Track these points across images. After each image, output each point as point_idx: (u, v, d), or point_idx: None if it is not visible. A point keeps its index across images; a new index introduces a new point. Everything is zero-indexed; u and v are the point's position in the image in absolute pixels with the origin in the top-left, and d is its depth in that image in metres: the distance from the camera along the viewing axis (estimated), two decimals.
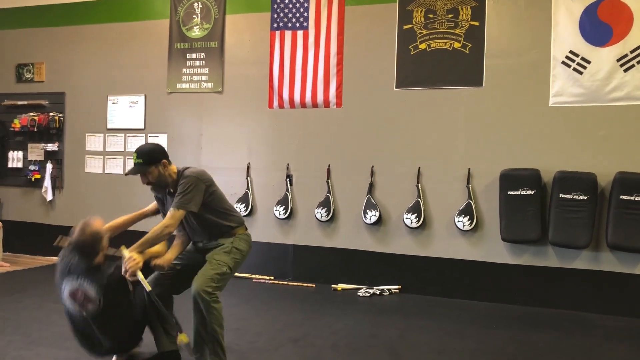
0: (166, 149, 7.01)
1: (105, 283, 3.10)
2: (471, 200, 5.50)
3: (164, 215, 3.42)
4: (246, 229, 3.58)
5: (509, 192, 5.29)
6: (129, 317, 3.29)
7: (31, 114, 7.32)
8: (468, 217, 5.47)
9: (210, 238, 3.44)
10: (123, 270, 3.10)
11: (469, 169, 5.55)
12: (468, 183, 5.55)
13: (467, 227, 5.47)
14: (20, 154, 7.48)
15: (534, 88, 5.39)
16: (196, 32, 6.63)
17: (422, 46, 5.74)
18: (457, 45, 5.62)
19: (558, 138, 5.32)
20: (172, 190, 3.37)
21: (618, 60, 5.11)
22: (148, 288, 3.12)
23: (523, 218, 5.23)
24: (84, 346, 3.30)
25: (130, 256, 3.10)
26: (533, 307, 5.27)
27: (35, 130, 7.28)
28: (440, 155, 5.70)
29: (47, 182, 7.26)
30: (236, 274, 6.18)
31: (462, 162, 5.61)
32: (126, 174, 3.36)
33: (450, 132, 5.67)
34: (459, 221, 5.49)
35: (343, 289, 5.82)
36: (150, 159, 3.25)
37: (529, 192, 5.23)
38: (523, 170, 5.30)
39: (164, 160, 3.30)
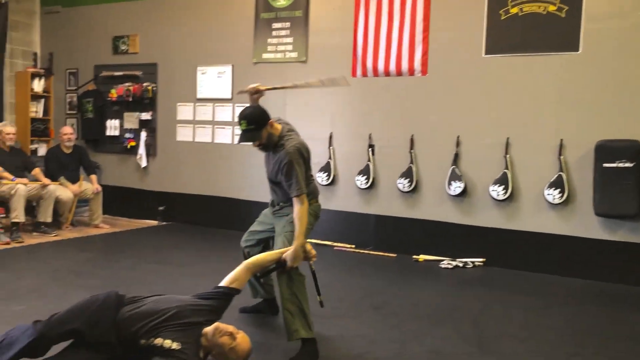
0: None
1: None
2: (563, 172, 5.26)
3: (268, 173, 3.48)
4: (317, 200, 3.59)
5: (604, 164, 5.01)
6: None
7: (126, 84, 7.70)
8: (559, 189, 5.24)
9: (284, 205, 3.50)
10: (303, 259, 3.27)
11: (562, 140, 5.30)
12: (560, 154, 5.30)
13: (557, 200, 5.25)
14: (117, 122, 7.92)
15: (636, 53, 5.01)
16: (281, 2, 6.67)
17: (514, 10, 5.47)
18: (552, 8, 5.31)
19: None
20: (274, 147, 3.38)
21: None
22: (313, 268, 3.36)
23: (619, 192, 4.95)
24: None
25: (310, 248, 3.30)
26: (629, 286, 5.01)
27: (131, 99, 7.67)
28: (531, 125, 5.47)
29: (142, 150, 7.65)
30: (318, 242, 6.32)
31: (555, 132, 5.35)
32: (240, 142, 3.36)
33: (542, 101, 5.42)
34: (549, 194, 5.27)
35: (425, 260, 5.79)
36: (260, 124, 3.26)
37: (626, 164, 4.93)
38: (621, 141, 4.99)
39: (270, 121, 3.31)
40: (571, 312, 4.26)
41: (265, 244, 3.75)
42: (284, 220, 3.46)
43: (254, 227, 3.81)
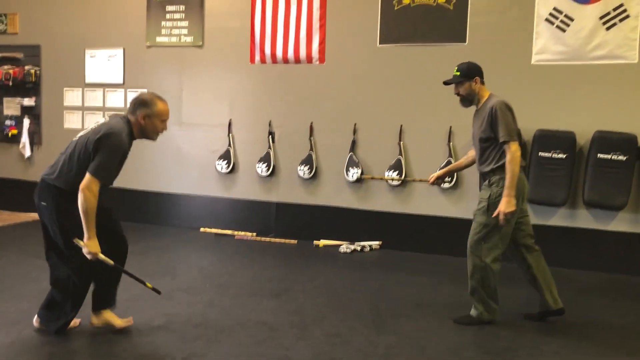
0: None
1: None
2: (451, 157, 5.54)
3: (474, 133, 3.73)
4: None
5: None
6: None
7: (6, 67, 7.13)
8: (448, 175, 5.51)
9: (483, 174, 3.70)
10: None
11: (450, 127, 5.57)
12: (449, 141, 5.58)
13: (447, 185, 5.53)
14: None
15: (517, 46, 5.37)
16: None
17: (406, 1, 5.66)
18: (441, 0, 5.55)
19: (539, 96, 5.34)
20: (477, 108, 3.72)
21: (601, 18, 5.09)
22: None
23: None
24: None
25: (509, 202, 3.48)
26: (511, 264, 5.38)
27: (11, 84, 7.11)
28: (423, 112, 5.70)
29: (25, 138, 7.14)
30: (218, 231, 6.24)
31: (444, 119, 5.61)
32: (444, 83, 3.78)
33: (433, 89, 5.64)
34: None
35: (325, 245, 5.89)
36: (468, 76, 3.63)
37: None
38: None
39: (477, 78, 3.63)
40: (459, 289, 4.49)
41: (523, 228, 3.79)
42: (480, 199, 3.70)
43: None
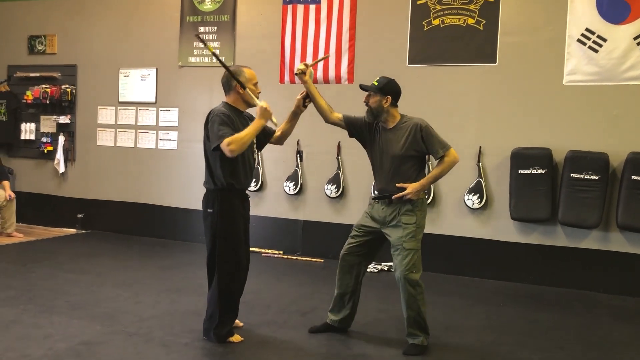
0: (177, 123, 7.02)
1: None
2: (481, 178, 5.49)
3: (387, 154, 3.63)
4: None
5: (519, 171, 5.27)
6: None
7: (43, 86, 7.35)
8: (478, 195, 5.46)
9: (393, 198, 3.50)
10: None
11: (480, 147, 5.53)
12: (479, 161, 5.53)
13: (476, 205, 5.48)
14: (32, 126, 7.54)
15: (548, 66, 5.32)
16: (208, 5, 6.60)
17: (436, 22, 5.67)
18: (471, 21, 5.55)
19: (571, 117, 5.27)
20: (388, 128, 3.62)
21: (635, 38, 5.03)
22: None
23: (533, 197, 5.22)
24: None
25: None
26: (541, 286, 5.29)
27: (48, 102, 7.32)
28: (451, 133, 5.62)
29: (60, 155, 7.32)
30: None
31: (474, 140, 5.58)
32: (360, 86, 3.69)
33: (462, 110, 5.64)
34: (468, 199, 5.49)
35: None
36: (380, 89, 3.54)
37: (539, 171, 5.21)
38: (534, 149, 5.28)
39: (389, 97, 3.53)
40: (490, 312, 4.44)
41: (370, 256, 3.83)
42: (399, 229, 3.51)
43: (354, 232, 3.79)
